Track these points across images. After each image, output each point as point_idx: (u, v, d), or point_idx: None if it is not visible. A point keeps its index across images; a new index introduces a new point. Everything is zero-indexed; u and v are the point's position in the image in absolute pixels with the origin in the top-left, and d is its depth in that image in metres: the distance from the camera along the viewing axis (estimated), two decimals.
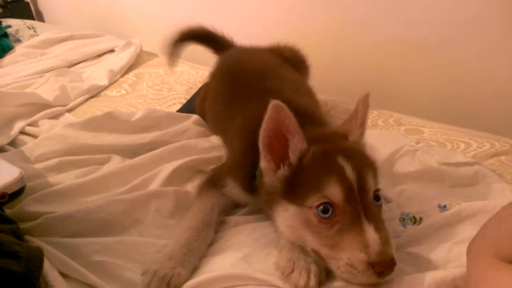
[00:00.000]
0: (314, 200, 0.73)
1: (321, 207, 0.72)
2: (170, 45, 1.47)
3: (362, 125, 0.87)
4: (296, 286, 0.73)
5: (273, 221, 0.84)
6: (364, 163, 0.77)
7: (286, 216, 0.79)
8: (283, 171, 0.80)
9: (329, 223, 0.72)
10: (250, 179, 0.91)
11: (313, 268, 0.74)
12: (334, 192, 0.72)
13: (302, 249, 0.79)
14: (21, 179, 0.90)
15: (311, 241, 0.76)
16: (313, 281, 0.73)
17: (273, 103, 0.75)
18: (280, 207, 0.80)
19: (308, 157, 0.78)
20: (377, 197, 0.76)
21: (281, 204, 0.80)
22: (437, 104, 1.61)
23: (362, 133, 0.87)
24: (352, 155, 0.77)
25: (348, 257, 0.69)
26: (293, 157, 0.79)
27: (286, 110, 0.75)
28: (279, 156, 0.80)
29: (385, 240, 0.69)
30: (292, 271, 0.74)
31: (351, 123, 0.87)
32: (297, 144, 0.79)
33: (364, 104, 0.85)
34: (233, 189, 0.96)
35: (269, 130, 0.78)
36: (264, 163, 0.82)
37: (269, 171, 0.82)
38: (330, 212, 0.72)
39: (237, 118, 1.05)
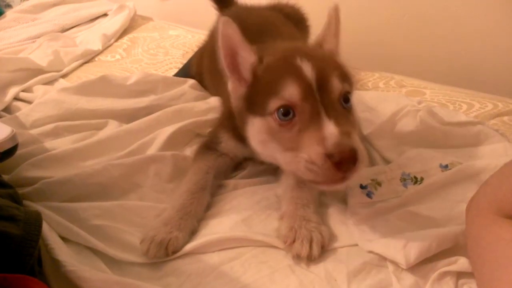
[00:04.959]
0: (272, 105, 0.71)
1: (281, 111, 0.70)
2: None
3: (336, 36, 0.83)
4: (298, 256, 0.73)
5: (249, 142, 0.82)
6: (328, 64, 0.74)
7: (254, 131, 0.77)
8: (242, 89, 0.80)
9: (289, 125, 0.70)
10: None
11: (315, 236, 0.74)
12: (290, 92, 0.70)
13: (304, 216, 0.78)
14: (12, 137, 0.87)
15: (280, 150, 0.73)
16: (315, 250, 0.73)
17: (221, 18, 0.75)
18: (249, 124, 0.79)
19: (261, 68, 0.77)
20: (346, 99, 0.73)
21: (249, 120, 0.78)
22: (439, 66, 1.58)
23: (336, 44, 0.83)
24: (314, 56, 0.74)
25: (307, 153, 0.66)
26: (245, 71, 0.78)
27: (232, 25, 0.75)
28: (241, 75, 0.79)
29: (345, 133, 0.65)
30: (294, 240, 0.74)
31: (324, 33, 0.83)
32: (245, 58, 0.77)
33: (335, 17, 0.82)
34: (228, 142, 0.95)
35: (224, 48, 0.77)
36: (230, 84, 0.81)
37: (236, 91, 0.81)
38: (290, 114, 0.70)
39: None
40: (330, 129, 0.65)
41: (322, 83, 0.70)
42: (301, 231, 0.75)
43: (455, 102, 1.20)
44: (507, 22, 1.41)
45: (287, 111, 0.70)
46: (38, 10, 2.08)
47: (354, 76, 0.82)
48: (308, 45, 0.81)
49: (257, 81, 0.77)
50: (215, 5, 1.45)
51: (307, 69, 0.71)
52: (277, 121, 0.71)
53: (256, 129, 0.77)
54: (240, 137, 0.89)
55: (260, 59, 0.78)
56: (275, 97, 0.71)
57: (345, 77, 0.75)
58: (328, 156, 0.63)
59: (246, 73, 0.78)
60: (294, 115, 0.70)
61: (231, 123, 0.90)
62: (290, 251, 0.75)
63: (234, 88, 0.81)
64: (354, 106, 0.76)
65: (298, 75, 0.71)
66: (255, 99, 0.77)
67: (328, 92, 0.71)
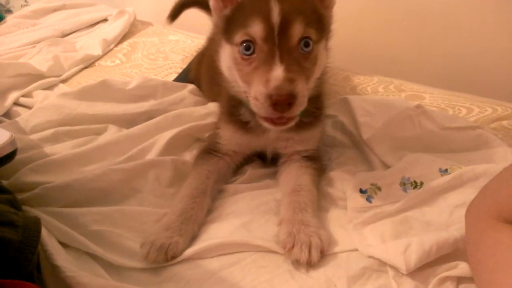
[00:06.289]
0: (238, 37, 0.79)
1: (244, 45, 0.78)
2: (174, 7, 1.45)
3: None
4: (298, 262, 0.73)
5: (220, 67, 0.89)
6: (296, 10, 0.78)
7: (224, 55, 0.85)
8: (227, 10, 0.85)
9: (248, 60, 0.78)
10: (240, 120, 0.95)
11: (314, 241, 0.74)
12: (254, 30, 0.76)
13: (302, 220, 0.78)
14: (12, 142, 0.87)
15: (239, 80, 0.82)
16: (314, 255, 0.73)
17: None
18: (221, 48, 0.86)
19: None
20: (305, 44, 0.78)
21: (222, 45, 0.86)
22: (438, 70, 1.59)
23: None
24: (286, 0, 0.78)
25: (254, 90, 0.75)
26: None
27: None
28: None
29: (289, 79, 0.72)
30: (293, 246, 0.74)
31: None
32: None
33: None
34: (227, 131, 0.97)
35: None
36: (212, 2, 0.86)
37: (216, 10, 0.87)
38: (251, 50, 0.77)
39: None
40: (277, 73, 0.73)
41: (284, 27, 0.76)
42: (299, 236, 0.75)
43: (455, 107, 1.20)
44: (508, 28, 1.41)
45: (248, 46, 0.78)
46: (39, 16, 2.09)
47: (329, 20, 0.87)
48: None
49: (239, 7, 0.83)
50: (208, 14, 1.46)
51: (274, 12, 0.76)
52: (240, 54, 0.79)
53: (226, 55, 0.85)
54: (239, 125, 0.94)
55: None
56: (242, 30, 0.78)
57: (311, 22, 0.79)
58: (269, 96, 0.72)
59: None
60: (254, 52, 0.78)
61: (230, 117, 0.96)
62: (289, 257, 0.74)
63: (217, 7, 0.86)
64: (318, 50, 0.82)
65: (265, 16, 0.76)
66: (231, 25, 0.82)
67: (288, 37, 0.76)
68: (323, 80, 0.98)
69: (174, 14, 1.46)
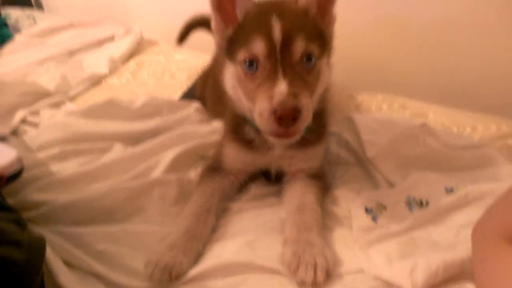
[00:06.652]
0: (241, 55, 0.80)
1: (247, 62, 0.79)
2: (182, 30, 1.47)
3: None
4: (303, 282, 0.73)
5: (224, 87, 0.90)
6: (297, 26, 0.79)
7: (228, 74, 0.86)
8: (228, 30, 0.86)
9: (252, 77, 0.79)
10: (244, 138, 0.95)
11: (319, 261, 0.74)
12: (257, 47, 0.77)
13: (307, 240, 0.78)
14: (18, 160, 0.88)
15: (243, 98, 0.83)
16: (320, 276, 0.72)
17: None
18: (225, 69, 0.87)
19: (248, 15, 0.83)
20: (308, 60, 0.79)
21: (226, 65, 0.87)
22: (442, 88, 1.59)
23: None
24: (287, 17, 0.79)
25: (258, 107, 0.75)
26: (239, 13, 0.83)
27: None
28: (228, 16, 0.85)
29: (293, 94, 0.73)
30: (298, 266, 0.73)
31: None
32: (243, 0, 0.83)
33: None
34: (231, 149, 0.98)
35: None
36: (214, 24, 0.87)
37: (218, 31, 0.88)
38: (254, 67, 0.78)
39: None
40: (280, 88, 0.74)
41: (286, 44, 0.77)
42: (305, 256, 0.74)
43: (459, 124, 1.20)
44: (510, 41, 1.42)
45: (251, 63, 0.79)
46: (46, 34, 2.12)
47: (331, 36, 0.88)
48: (292, 4, 0.85)
49: (240, 27, 0.83)
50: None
51: (276, 29, 0.77)
52: (243, 71, 0.80)
53: (229, 74, 0.86)
54: (243, 143, 0.95)
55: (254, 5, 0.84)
56: (244, 48, 0.79)
57: (313, 38, 0.80)
58: (273, 112, 0.72)
59: (240, 15, 0.84)
60: (257, 69, 0.79)
61: (235, 135, 0.96)
62: (295, 278, 0.74)
63: (219, 28, 0.87)
64: (321, 65, 0.84)
65: (266, 34, 0.77)
66: (234, 44, 0.83)
67: (290, 54, 0.77)
68: (326, 98, 0.99)
69: (182, 37, 1.49)
